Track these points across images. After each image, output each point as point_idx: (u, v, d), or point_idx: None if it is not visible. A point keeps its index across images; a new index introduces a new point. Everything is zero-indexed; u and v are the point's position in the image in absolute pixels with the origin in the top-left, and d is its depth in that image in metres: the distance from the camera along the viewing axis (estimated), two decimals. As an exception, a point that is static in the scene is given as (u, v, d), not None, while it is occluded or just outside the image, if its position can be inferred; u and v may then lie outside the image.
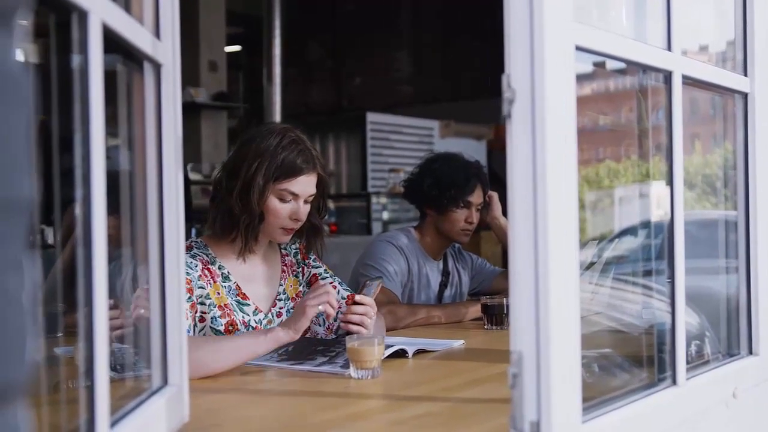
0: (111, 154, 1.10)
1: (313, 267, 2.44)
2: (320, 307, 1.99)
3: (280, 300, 2.34)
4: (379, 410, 1.68)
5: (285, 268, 2.39)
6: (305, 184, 2.22)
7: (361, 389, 1.80)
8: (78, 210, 1.03)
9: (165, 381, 1.37)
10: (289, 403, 1.73)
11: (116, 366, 1.37)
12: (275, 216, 2.20)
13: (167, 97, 1.38)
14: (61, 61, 1.06)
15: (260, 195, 2.17)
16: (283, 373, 1.98)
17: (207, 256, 2.21)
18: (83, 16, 1.00)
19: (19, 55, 0.62)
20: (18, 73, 0.60)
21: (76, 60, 1.03)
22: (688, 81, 1.57)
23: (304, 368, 1.95)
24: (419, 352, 2.18)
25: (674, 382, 1.51)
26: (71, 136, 1.04)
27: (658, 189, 1.89)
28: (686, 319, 1.57)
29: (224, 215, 2.21)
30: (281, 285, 2.35)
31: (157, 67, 1.36)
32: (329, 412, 1.63)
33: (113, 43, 1.12)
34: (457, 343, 2.35)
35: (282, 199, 2.20)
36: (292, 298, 2.36)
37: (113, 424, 1.10)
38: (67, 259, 1.39)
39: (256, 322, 2.24)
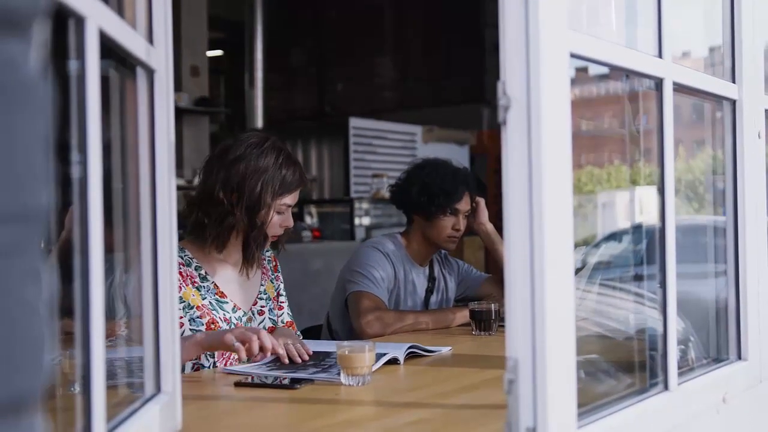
0: (103, 159, 1.09)
1: (280, 281, 2.55)
2: (236, 344, 1.95)
3: (261, 299, 2.42)
4: (372, 417, 1.68)
5: (264, 270, 2.48)
6: (297, 195, 2.36)
7: (353, 396, 1.80)
8: (75, 216, 1.02)
9: (158, 389, 1.37)
10: (281, 411, 1.72)
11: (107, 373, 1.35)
12: (271, 228, 2.32)
13: (160, 103, 1.37)
14: (56, 66, 1.05)
15: (267, 213, 2.28)
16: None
17: (182, 258, 2.24)
18: (80, 21, 0.99)
19: (37, 63, 0.61)
20: (36, 81, 0.60)
21: (72, 65, 1.02)
22: (678, 88, 1.58)
23: (297, 377, 1.94)
24: (411, 356, 2.19)
25: (666, 387, 1.52)
26: (66, 142, 1.03)
27: (642, 194, 1.90)
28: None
29: (226, 230, 2.27)
30: (262, 285, 2.45)
31: (150, 72, 1.35)
32: (321, 419, 1.62)
33: (107, 48, 1.12)
34: (446, 350, 2.35)
35: (279, 212, 2.31)
36: (273, 298, 2.47)
37: (108, 432, 1.09)
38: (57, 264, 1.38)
39: (236, 319, 2.32)
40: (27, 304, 0.58)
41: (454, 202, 3.00)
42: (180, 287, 2.20)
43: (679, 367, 1.62)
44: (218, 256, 2.32)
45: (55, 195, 1.03)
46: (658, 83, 1.53)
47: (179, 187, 7.13)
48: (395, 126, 8.48)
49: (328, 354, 2.18)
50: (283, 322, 2.42)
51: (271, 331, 2.41)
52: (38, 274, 0.60)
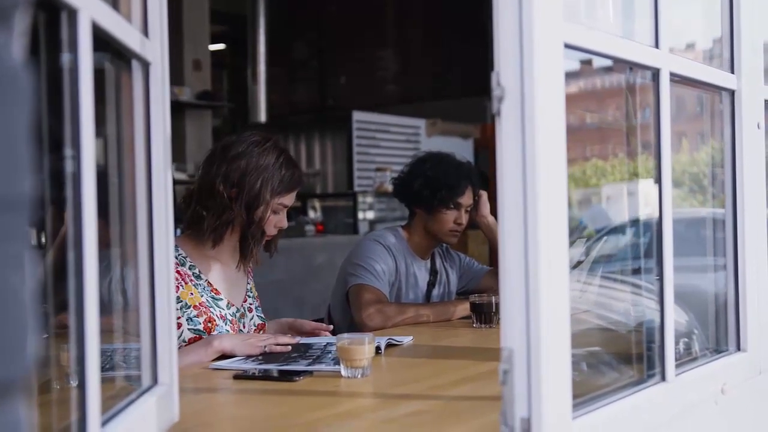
0: (97, 153, 1.09)
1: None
2: (266, 348, 2.14)
3: (249, 296, 2.46)
4: (370, 408, 1.68)
5: (250, 269, 2.51)
6: (294, 197, 2.39)
7: (351, 388, 1.80)
8: (67, 210, 1.02)
9: (155, 380, 1.37)
10: (279, 403, 1.72)
11: (104, 366, 1.36)
12: (267, 226, 2.33)
13: (156, 96, 1.37)
14: (48, 59, 1.05)
15: (265, 210, 2.30)
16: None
17: (176, 257, 2.25)
18: (73, 14, 0.99)
19: (19, 53, 0.62)
20: (18, 72, 0.60)
21: (65, 58, 1.02)
22: (676, 78, 1.58)
23: (296, 368, 1.94)
24: (388, 346, 2.24)
25: (663, 378, 1.52)
26: (59, 136, 1.03)
27: (645, 187, 1.90)
28: (674, 317, 1.57)
29: (223, 224, 2.29)
30: (249, 284, 2.49)
31: (145, 65, 1.35)
32: (320, 411, 1.62)
33: (101, 41, 1.12)
34: (407, 339, 2.38)
35: (275, 212, 2.33)
36: (256, 296, 2.51)
37: (104, 423, 1.09)
38: (54, 260, 1.39)
39: (231, 315, 2.34)
40: (10, 290, 0.59)
41: (457, 196, 2.99)
42: (178, 287, 2.22)
43: (681, 359, 1.62)
44: (211, 253, 2.33)
45: (55, 190, 1.04)
46: (655, 74, 1.53)
47: (181, 182, 7.15)
48: (399, 119, 8.47)
49: (309, 346, 2.21)
50: (254, 325, 2.44)
51: (261, 327, 2.46)
52: (22, 261, 0.61)
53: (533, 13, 1.16)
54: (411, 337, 2.41)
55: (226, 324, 2.29)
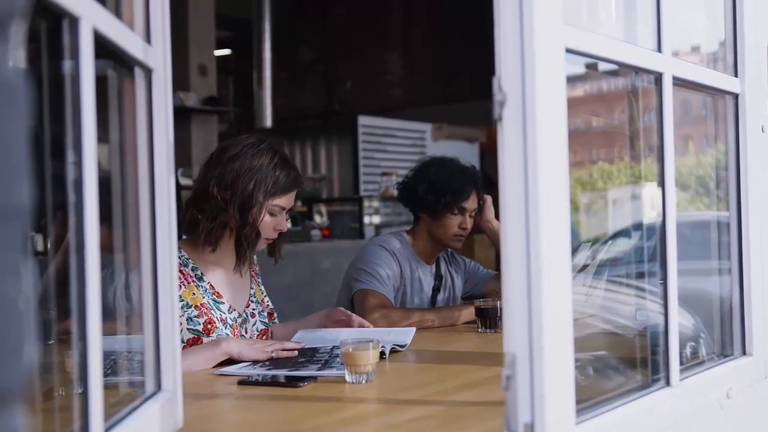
0: (101, 160, 1.10)
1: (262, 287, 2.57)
2: (273, 354, 2.14)
3: (252, 302, 2.45)
4: (374, 414, 1.68)
5: (253, 274, 2.51)
6: (292, 199, 2.38)
7: (356, 393, 1.80)
8: (70, 217, 1.03)
9: (159, 386, 1.37)
10: (284, 409, 1.72)
11: (108, 371, 1.36)
12: (263, 229, 2.33)
13: (158, 103, 1.37)
14: (51, 66, 1.06)
15: (259, 211, 2.29)
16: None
17: (179, 258, 2.26)
18: (74, 22, 1.00)
19: (16, 62, 0.62)
20: (15, 80, 0.60)
21: (66, 65, 1.03)
22: (679, 82, 1.58)
23: (303, 374, 1.94)
24: (393, 351, 2.23)
25: (668, 382, 1.51)
26: (62, 142, 1.04)
27: (651, 190, 1.90)
28: (680, 321, 1.57)
29: (218, 227, 2.29)
30: (252, 288, 2.47)
31: (148, 72, 1.35)
32: (324, 416, 1.62)
33: (104, 48, 1.12)
34: (410, 335, 2.38)
35: (272, 214, 2.33)
36: (260, 301, 2.49)
37: (107, 429, 1.10)
38: (59, 266, 1.39)
39: (232, 320, 2.34)
40: (7, 299, 0.59)
41: (461, 200, 2.99)
42: (180, 286, 2.22)
43: (687, 363, 1.61)
44: (211, 258, 2.33)
45: (60, 196, 1.04)
46: (658, 78, 1.52)
47: (187, 188, 7.15)
48: (404, 124, 8.47)
49: (316, 350, 2.21)
50: (257, 330, 2.44)
51: (264, 333, 2.45)
52: (18, 270, 0.61)
53: (534, 18, 1.16)
54: (413, 329, 2.42)
55: (226, 327, 2.29)
